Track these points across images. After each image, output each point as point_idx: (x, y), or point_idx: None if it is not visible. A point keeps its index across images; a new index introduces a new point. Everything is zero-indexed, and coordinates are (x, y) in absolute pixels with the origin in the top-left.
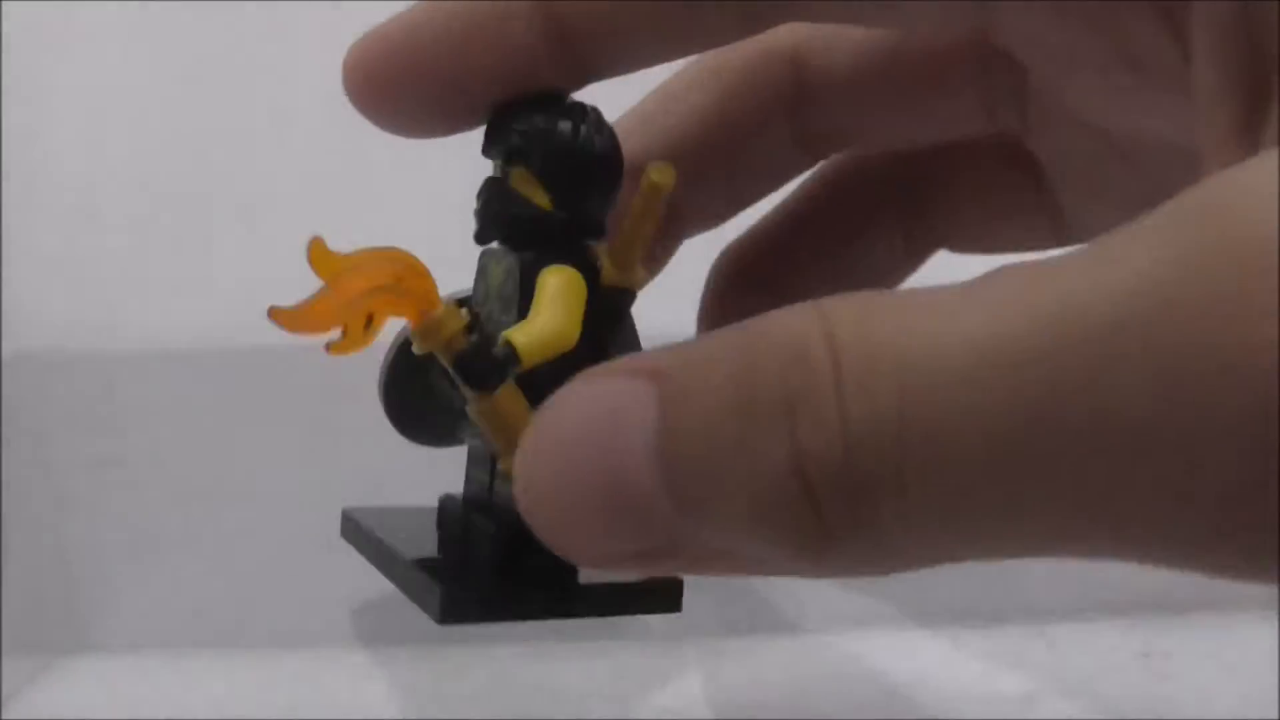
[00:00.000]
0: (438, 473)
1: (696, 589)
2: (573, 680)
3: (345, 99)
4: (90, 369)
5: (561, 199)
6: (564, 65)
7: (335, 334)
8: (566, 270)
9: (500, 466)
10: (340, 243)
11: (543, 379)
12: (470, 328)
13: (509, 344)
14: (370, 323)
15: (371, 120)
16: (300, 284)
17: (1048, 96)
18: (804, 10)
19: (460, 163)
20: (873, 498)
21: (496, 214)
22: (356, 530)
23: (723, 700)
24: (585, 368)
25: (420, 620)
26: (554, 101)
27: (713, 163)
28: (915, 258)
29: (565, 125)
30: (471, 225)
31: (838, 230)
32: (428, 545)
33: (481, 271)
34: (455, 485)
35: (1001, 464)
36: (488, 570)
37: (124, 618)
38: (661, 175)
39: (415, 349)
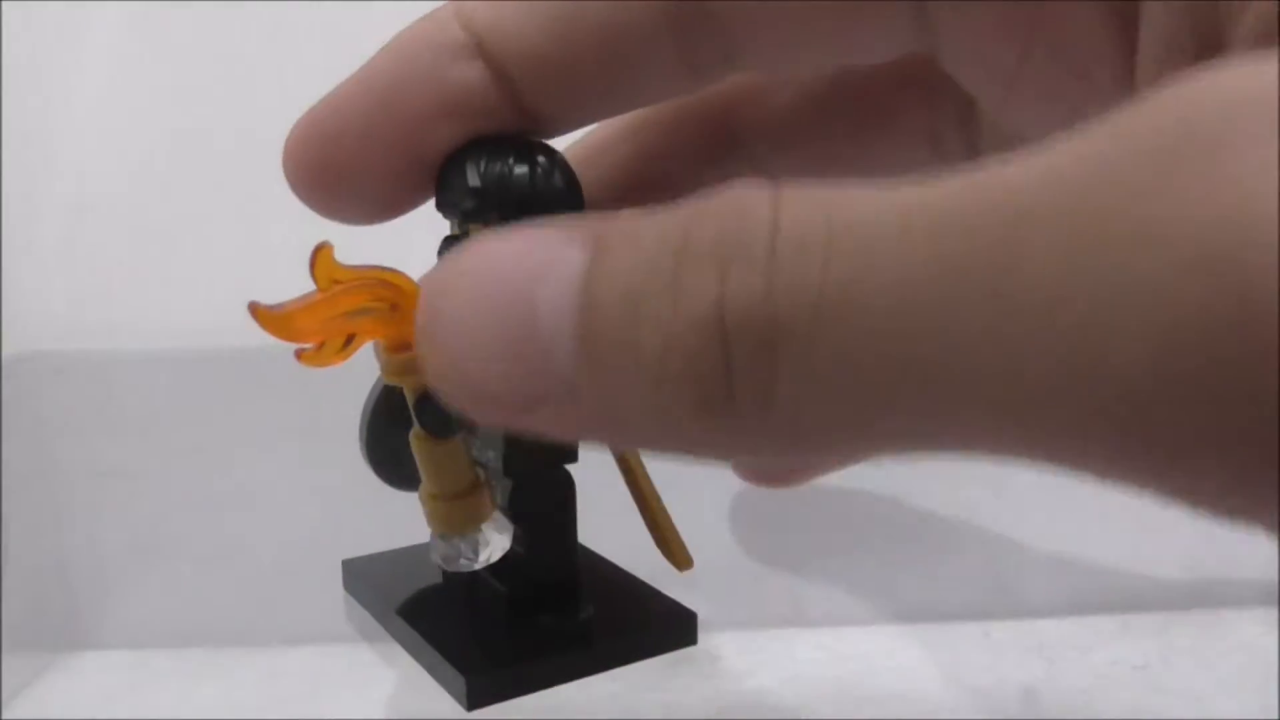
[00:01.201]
0: None
1: (695, 590)
2: (573, 684)
3: None
4: (90, 370)
5: None
6: (514, 113)
7: (309, 343)
8: None
9: (420, 497)
10: (340, 246)
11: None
12: None
13: None
14: (350, 341)
15: (328, 213)
16: (300, 288)
17: (996, 122)
18: (748, 62)
19: None
20: (784, 347)
21: None
22: (360, 588)
23: (723, 700)
24: None
25: None
26: (505, 149)
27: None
28: None
29: (519, 176)
30: None
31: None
32: (436, 607)
33: None
34: None
35: (906, 325)
36: (503, 638)
37: (124, 618)
38: None
39: (384, 377)
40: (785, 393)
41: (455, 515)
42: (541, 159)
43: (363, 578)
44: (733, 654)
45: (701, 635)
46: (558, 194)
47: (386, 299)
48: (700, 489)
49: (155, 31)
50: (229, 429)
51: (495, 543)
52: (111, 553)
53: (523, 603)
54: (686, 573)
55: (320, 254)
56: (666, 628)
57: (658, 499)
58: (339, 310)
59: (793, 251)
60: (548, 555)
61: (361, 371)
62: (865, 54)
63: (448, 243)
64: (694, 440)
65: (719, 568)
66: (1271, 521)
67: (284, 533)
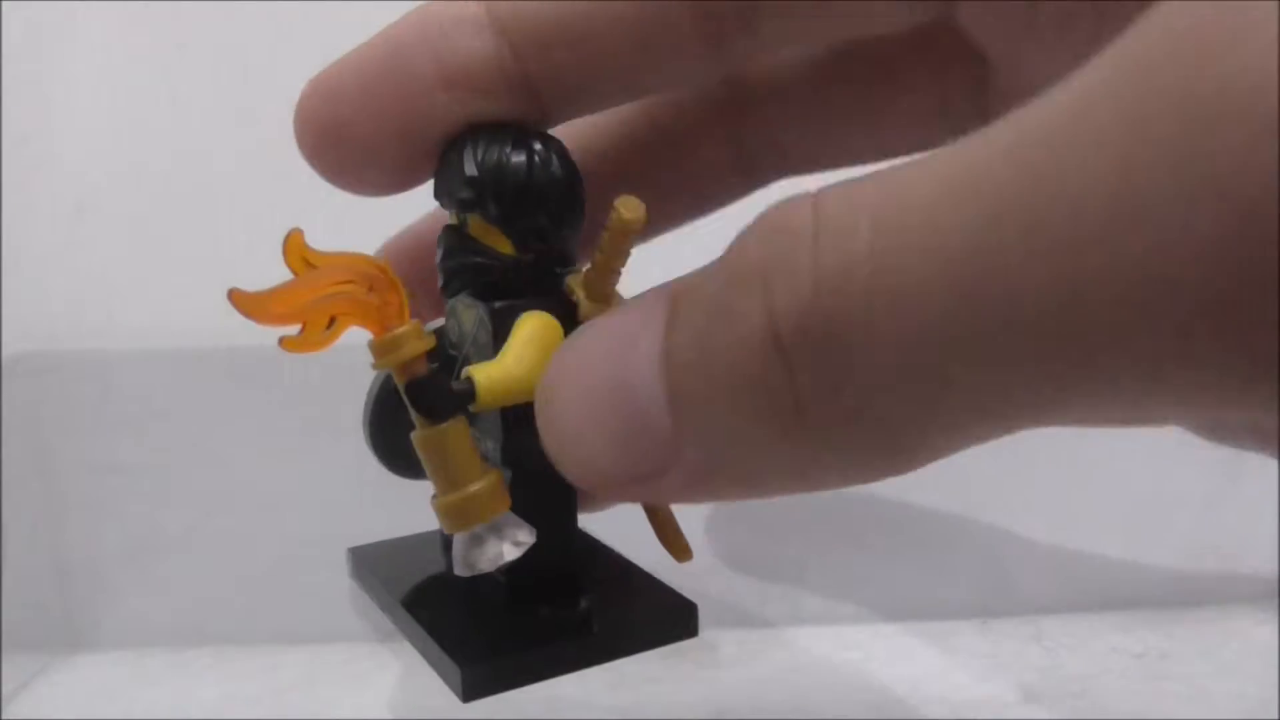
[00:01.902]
0: None
1: (694, 591)
2: (572, 680)
3: None
4: (88, 369)
5: (523, 242)
6: (519, 94)
7: (293, 329)
8: (543, 316)
9: (432, 504)
10: (338, 243)
11: (518, 416)
12: (434, 355)
13: (470, 379)
14: (332, 324)
15: (334, 177)
16: None
17: (1011, 81)
18: (771, 37)
19: None
20: (843, 344)
21: (459, 266)
22: (365, 575)
23: (720, 700)
24: None
25: None
26: (502, 137)
27: (644, 176)
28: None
29: (516, 165)
30: None
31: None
32: (438, 597)
33: (452, 312)
34: None
35: (967, 287)
36: (500, 629)
37: (123, 618)
38: (631, 211)
39: (372, 364)
40: (856, 390)
41: (470, 510)
42: (539, 147)
43: (368, 565)
44: (732, 650)
45: (701, 633)
46: (555, 183)
47: (362, 280)
48: None
49: (155, 31)
50: (228, 428)
51: (518, 537)
52: (110, 552)
53: (521, 593)
54: (685, 563)
55: (291, 239)
56: (666, 619)
57: None
58: (314, 292)
59: (835, 249)
60: (547, 546)
61: (361, 369)
62: (887, 23)
63: (448, 232)
64: (791, 469)
65: (719, 565)
66: None
67: (283, 532)
